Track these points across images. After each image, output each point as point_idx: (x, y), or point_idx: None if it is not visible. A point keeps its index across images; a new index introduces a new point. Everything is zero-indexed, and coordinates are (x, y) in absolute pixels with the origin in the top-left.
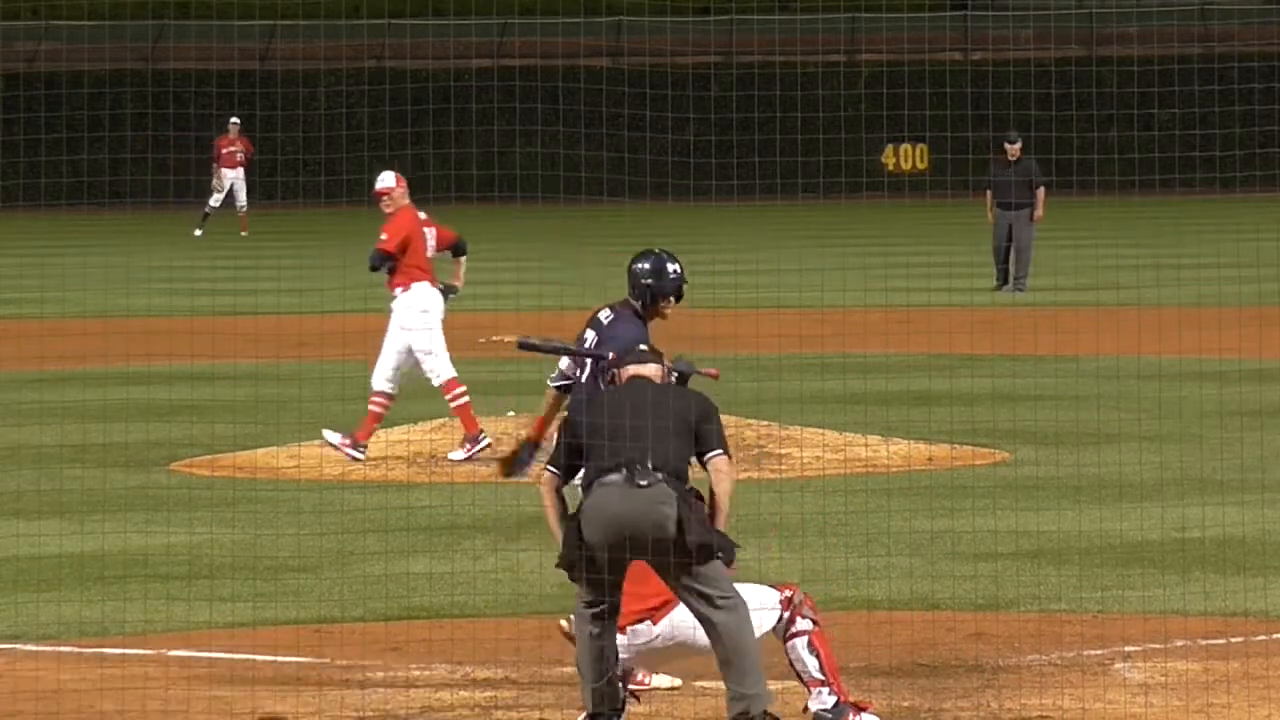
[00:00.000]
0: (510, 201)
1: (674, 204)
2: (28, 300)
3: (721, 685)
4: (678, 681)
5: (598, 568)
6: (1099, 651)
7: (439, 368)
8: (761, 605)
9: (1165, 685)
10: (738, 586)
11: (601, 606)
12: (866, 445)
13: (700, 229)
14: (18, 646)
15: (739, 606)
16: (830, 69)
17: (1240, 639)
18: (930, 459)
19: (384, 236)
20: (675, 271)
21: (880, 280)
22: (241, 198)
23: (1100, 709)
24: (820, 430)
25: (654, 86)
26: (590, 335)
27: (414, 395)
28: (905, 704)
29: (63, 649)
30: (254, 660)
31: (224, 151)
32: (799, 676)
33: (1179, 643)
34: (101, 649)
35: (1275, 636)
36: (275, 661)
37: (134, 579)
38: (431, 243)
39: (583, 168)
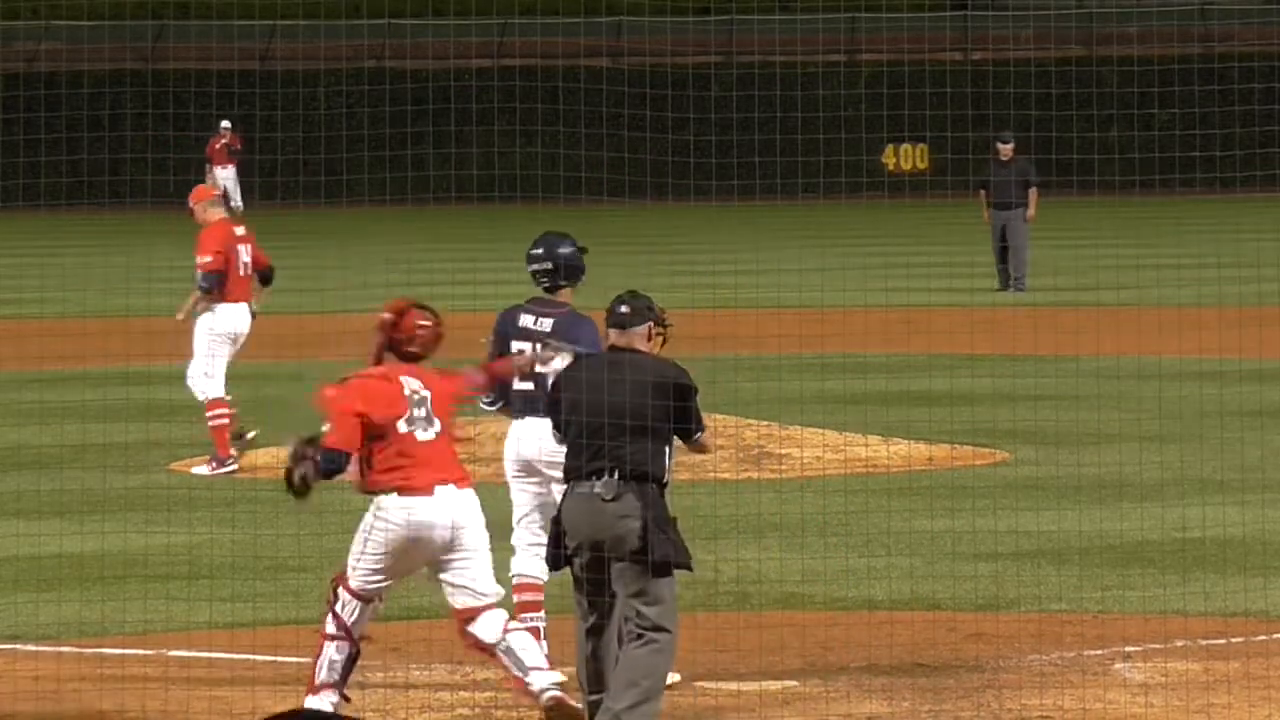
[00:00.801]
0: (510, 201)
1: (674, 204)
2: (28, 300)
3: (722, 685)
4: (676, 677)
5: (582, 567)
6: (1099, 651)
7: (206, 386)
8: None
9: (1165, 685)
10: None
11: (593, 619)
12: (866, 445)
13: (700, 229)
14: (18, 646)
15: (663, 644)
16: (830, 69)
17: (1240, 639)
18: (930, 459)
19: (207, 258)
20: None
21: (880, 280)
22: (236, 197)
23: (1100, 709)
24: (820, 430)
25: (654, 86)
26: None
27: None
28: (905, 704)
29: (63, 649)
30: (254, 660)
31: (215, 149)
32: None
33: (1179, 643)
34: (101, 649)
35: (1275, 636)
36: (275, 661)
37: (134, 579)
38: (246, 259)
39: (583, 168)
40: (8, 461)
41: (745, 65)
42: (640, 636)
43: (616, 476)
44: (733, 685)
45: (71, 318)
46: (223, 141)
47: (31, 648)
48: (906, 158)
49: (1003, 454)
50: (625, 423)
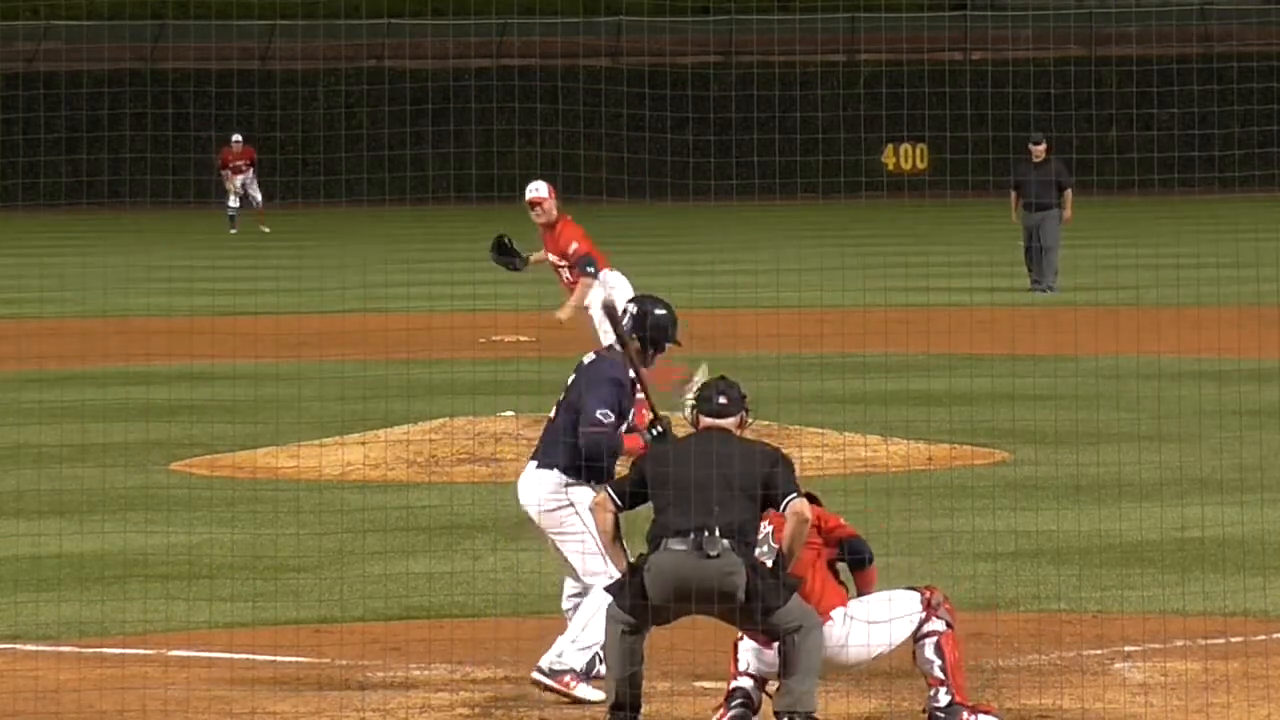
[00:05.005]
0: (510, 201)
1: (674, 204)
2: (28, 300)
3: (722, 685)
4: None
5: (659, 615)
6: (1099, 651)
7: None
8: (903, 614)
9: (1165, 685)
10: (882, 595)
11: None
12: (866, 445)
13: (700, 229)
14: (18, 646)
15: (811, 629)
16: (830, 69)
17: (1240, 639)
18: (930, 459)
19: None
20: (660, 314)
21: (880, 280)
22: (256, 196)
23: (1100, 709)
24: (820, 430)
25: (654, 86)
26: (570, 377)
27: (414, 395)
28: (905, 704)
29: (63, 649)
30: (254, 660)
31: (231, 164)
32: (923, 675)
33: (1179, 643)
34: (101, 649)
35: (1275, 636)
36: (275, 661)
37: (134, 579)
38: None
39: (582, 168)
40: (8, 461)
41: (745, 65)
42: (795, 642)
43: (719, 534)
44: None
45: (71, 318)
46: (238, 162)
47: (31, 648)
48: (906, 158)
49: (1003, 454)
50: (721, 480)
